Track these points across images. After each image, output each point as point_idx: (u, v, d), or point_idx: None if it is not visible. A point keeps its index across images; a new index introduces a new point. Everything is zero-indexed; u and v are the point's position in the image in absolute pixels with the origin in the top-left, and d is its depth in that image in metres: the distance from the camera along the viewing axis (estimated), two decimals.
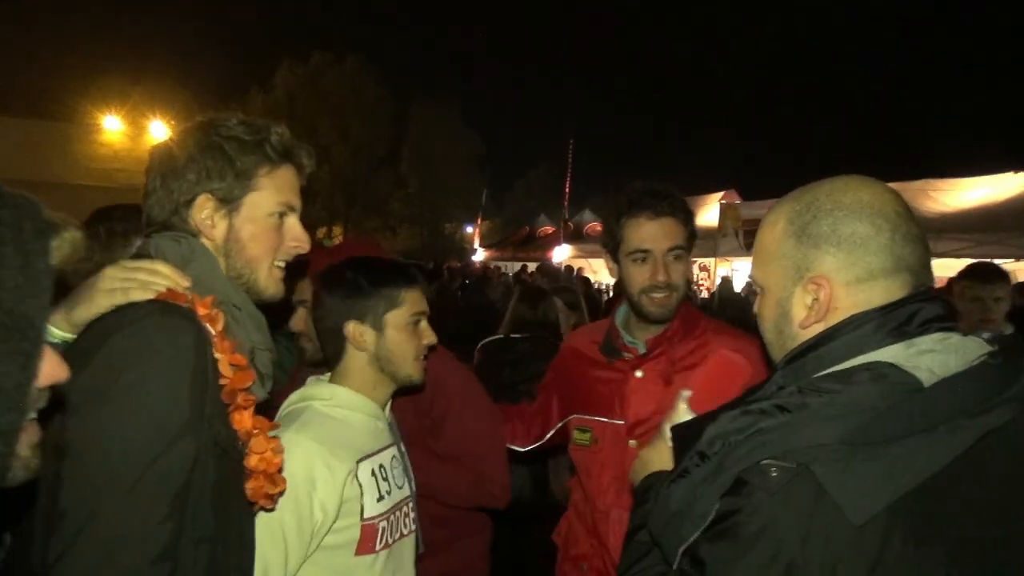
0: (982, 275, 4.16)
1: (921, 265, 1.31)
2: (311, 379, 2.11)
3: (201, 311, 1.41)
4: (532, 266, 20.82)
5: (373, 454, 1.99)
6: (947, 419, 1.13)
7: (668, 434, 1.58)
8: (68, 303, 1.41)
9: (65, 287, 1.40)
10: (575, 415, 2.52)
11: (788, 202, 1.37)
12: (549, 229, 23.95)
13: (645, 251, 2.29)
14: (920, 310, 1.25)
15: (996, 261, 11.42)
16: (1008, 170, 12.19)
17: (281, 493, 1.56)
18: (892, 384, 1.17)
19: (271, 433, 1.50)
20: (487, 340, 4.37)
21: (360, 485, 1.91)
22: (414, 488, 2.15)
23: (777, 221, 1.37)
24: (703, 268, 17.96)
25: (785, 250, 1.34)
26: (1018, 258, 9.92)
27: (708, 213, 17.82)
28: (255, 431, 1.46)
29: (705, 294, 15.76)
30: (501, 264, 23.46)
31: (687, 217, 2.33)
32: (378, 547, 1.94)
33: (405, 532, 2.06)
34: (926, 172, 13.65)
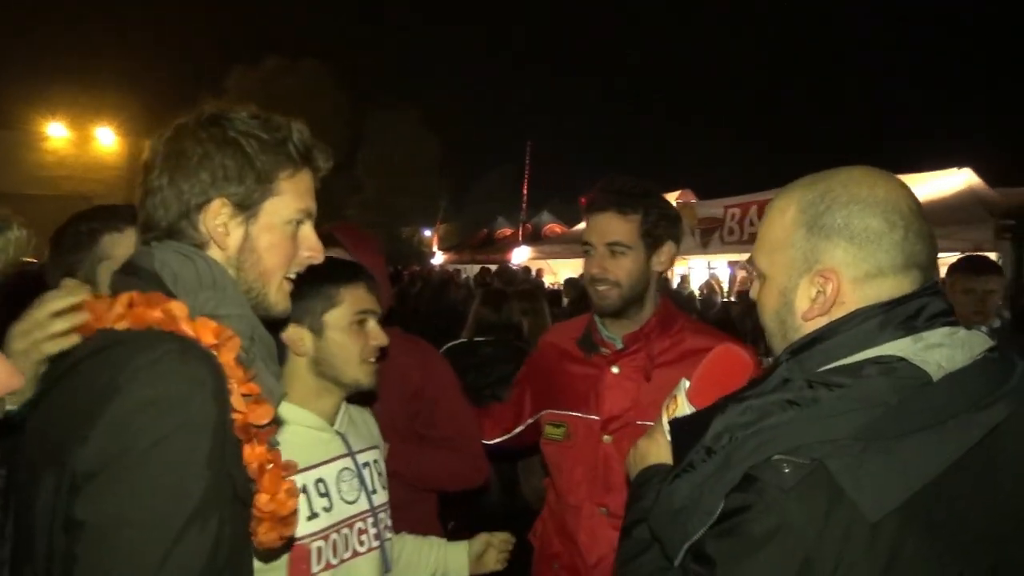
0: (974, 267, 4.24)
1: (930, 262, 1.29)
2: None
3: (208, 340, 1.25)
4: (494, 268, 20.83)
5: (307, 469, 1.84)
6: (956, 414, 1.14)
7: (666, 427, 1.56)
8: None
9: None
10: (548, 410, 2.51)
11: (799, 190, 1.34)
12: (507, 231, 23.96)
13: (588, 244, 2.37)
14: (927, 304, 1.25)
15: (944, 255, 11.81)
16: (952, 166, 12.56)
17: (292, 537, 1.42)
18: (902, 378, 1.16)
19: (286, 475, 1.35)
20: (451, 344, 4.35)
21: None
22: (377, 502, 2.01)
23: (787, 209, 1.34)
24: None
25: (794, 239, 1.31)
26: (964, 251, 10.20)
27: None
28: (269, 466, 1.30)
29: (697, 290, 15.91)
30: (460, 267, 23.42)
31: (641, 214, 2.31)
32: (315, 569, 1.81)
33: (360, 550, 1.92)
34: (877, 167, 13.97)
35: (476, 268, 21.40)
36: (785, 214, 1.33)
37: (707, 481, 1.21)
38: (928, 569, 1.12)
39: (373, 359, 1.96)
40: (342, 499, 1.91)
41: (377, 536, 1.98)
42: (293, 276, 1.51)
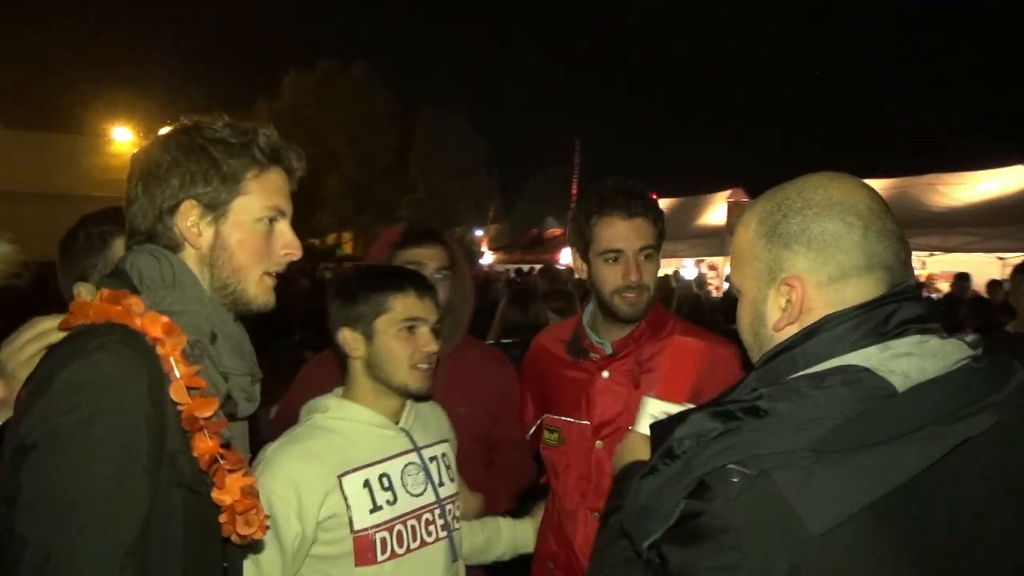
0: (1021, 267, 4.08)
1: (898, 262, 1.26)
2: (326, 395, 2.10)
3: (155, 333, 1.33)
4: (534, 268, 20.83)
5: (371, 464, 1.96)
6: (920, 427, 1.11)
7: (642, 427, 1.64)
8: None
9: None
10: (547, 414, 2.52)
11: (760, 202, 1.35)
12: (557, 231, 23.95)
13: (617, 251, 2.27)
14: (898, 310, 1.22)
15: (1004, 255, 11.45)
16: (1017, 163, 12.14)
17: (262, 531, 1.46)
18: (864, 389, 1.14)
19: (243, 471, 1.41)
20: None
21: (346, 498, 1.89)
22: (444, 494, 2.10)
23: (750, 222, 1.34)
24: (711, 267, 17.93)
25: (757, 251, 1.31)
26: None
27: (715, 212, 17.79)
28: (224, 465, 1.36)
29: (715, 292, 15.71)
30: (510, 267, 23.50)
31: (657, 216, 2.33)
32: (380, 558, 1.92)
33: (428, 540, 2.03)
34: (934, 166, 13.61)
35: (525, 268, 21.48)
36: (748, 227, 1.34)
37: (667, 483, 1.20)
38: None
39: (424, 365, 2.01)
40: (408, 492, 2.01)
41: (445, 527, 2.07)
42: (274, 272, 1.57)
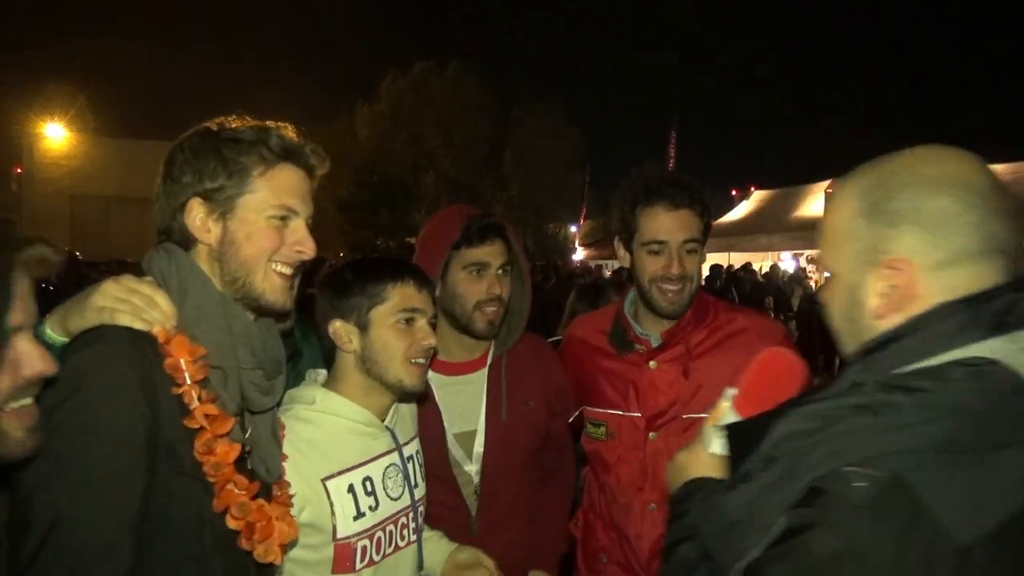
0: None
1: (1016, 247, 1.13)
2: (308, 373, 2.03)
3: (162, 338, 1.41)
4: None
5: (354, 467, 1.86)
6: None
7: (709, 436, 1.48)
8: (65, 309, 1.44)
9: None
10: (586, 407, 2.49)
11: (857, 177, 1.22)
12: None
13: (661, 242, 2.24)
14: (1020, 299, 1.09)
15: None
16: None
17: (278, 558, 1.53)
18: (994, 383, 1.02)
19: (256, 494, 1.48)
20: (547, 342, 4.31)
21: (331, 505, 1.81)
22: (418, 496, 2.02)
23: (846, 198, 1.21)
24: (811, 260, 17.40)
25: (855, 230, 1.18)
26: None
27: (815, 203, 17.25)
28: (237, 490, 1.44)
29: (814, 287, 15.27)
30: (602, 262, 23.48)
31: (704, 209, 2.30)
32: (359, 566, 1.84)
33: (401, 545, 1.94)
34: None
35: (615, 263, 21.42)
36: (845, 204, 1.21)
37: (764, 493, 1.09)
38: None
39: (421, 360, 1.92)
40: (388, 496, 1.91)
41: (416, 530, 1.99)
42: (282, 269, 1.57)
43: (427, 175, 36.06)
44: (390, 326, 1.87)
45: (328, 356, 1.99)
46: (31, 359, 1.13)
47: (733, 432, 1.34)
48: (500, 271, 2.28)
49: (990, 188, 1.12)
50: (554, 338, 4.24)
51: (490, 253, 2.26)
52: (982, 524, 0.96)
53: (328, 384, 1.95)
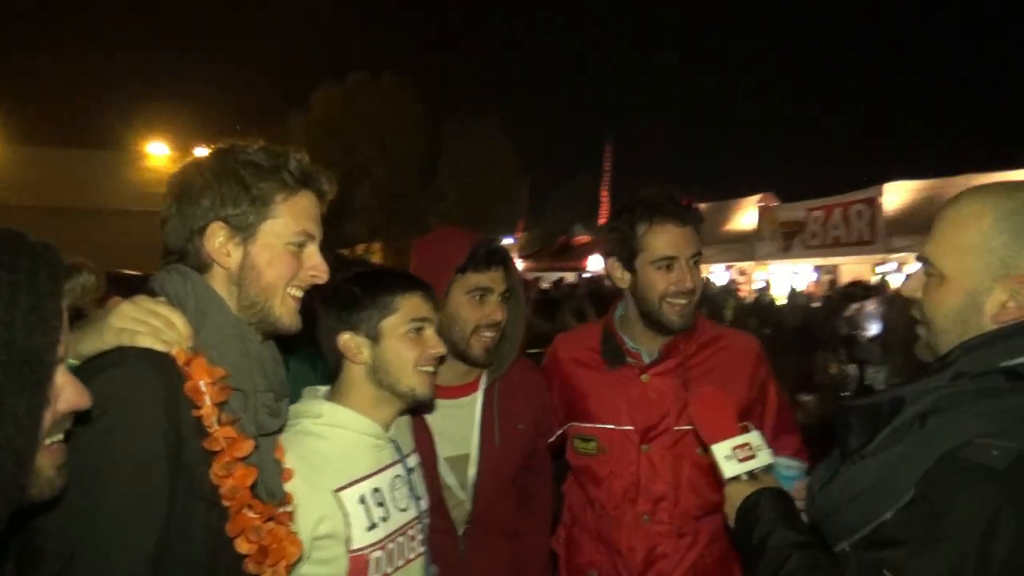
0: None
1: None
2: (305, 391, 2.03)
3: (182, 360, 1.40)
4: (570, 277, 20.83)
5: (364, 478, 1.88)
6: None
7: (723, 464, 1.74)
8: (78, 331, 1.39)
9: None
10: (574, 423, 2.51)
11: (997, 197, 1.37)
12: (585, 238, 23.94)
13: (672, 258, 2.29)
14: None
15: None
16: None
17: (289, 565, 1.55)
18: None
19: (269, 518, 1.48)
20: None
21: (345, 515, 1.81)
22: (423, 507, 2.04)
23: (984, 214, 1.36)
24: (741, 272, 17.81)
25: (993, 245, 1.33)
26: None
27: (745, 216, 17.67)
28: (250, 512, 1.44)
29: (747, 297, 15.60)
30: (539, 275, 23.53)
31: (700, 225, 2.39)
32: None
33: (411, 557, 1.96)
34: (968, 166, 13.40)
35: (554, 275, 21.50)
36: (982, 219, 1.36)
37: (896, 463, 1.25)
38: None
39: (430, 368, 1.95)
40: (396, 507, 1.93)
41: (423, 541, 2.02)
42: (296, 293, 1.60)
43: (361, 186, 35.61)
44: (401, 336, 1.91)
45: (332, 370, 1.99)
46: (68, 392, 1.08)
47: (842, 414, 1.48)
48: (501, 297, 2.29)
49: None
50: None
51: (494, 279, 2.28)
52: None
53: (332, 397, 1.96)
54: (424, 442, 2.23)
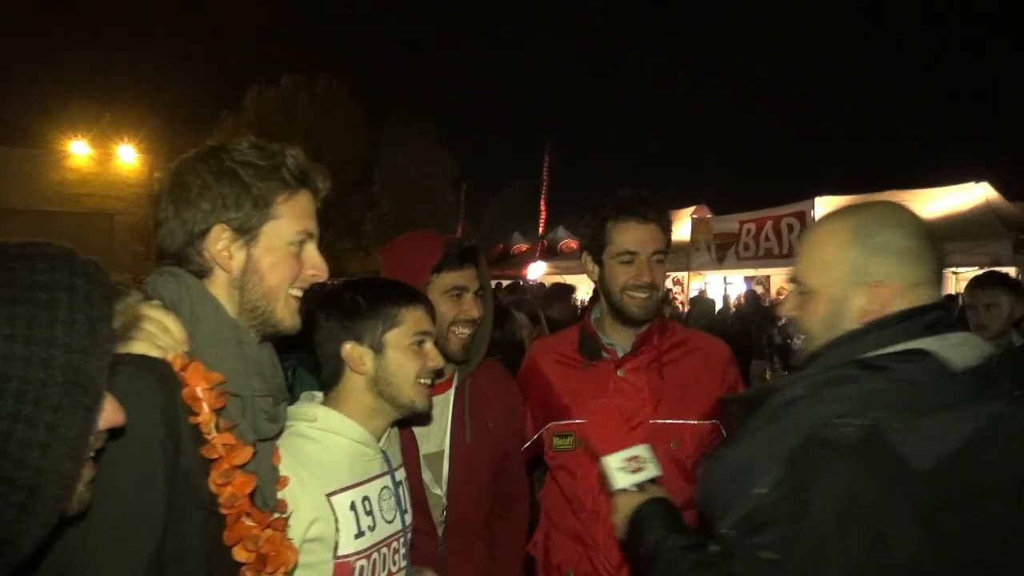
0: (978, 281, 4.22)
1: (940, 278, 1.58)
2: (303, 395, 2.03)
3: (177, 365, 1.36)
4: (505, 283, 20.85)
5: (355, 485, 1.87)
6: (970, 400, 1.37)
7: (615, 475, 1.85)
8: None
9: None
10: (552, 422, 2.56)
11: (846, 217, 1.59)
12: (523, 246, 24.02)
13: (632, 253, 2.41)
14: (944, 314, 1.52)
15: (958, 270, 11.72)
16: (969, 180, 12.48)
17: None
18: (930, 367, 1.40)
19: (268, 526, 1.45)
20: None
21: (336, 520, 1.80)
22: (407, 522, 2.04)
23: (837, 232, 1.57)
24: (676, 282, 18.10)
25: (848, 257, 1.53)
26: (982, 266, 10.13)
27: (680, 228, 17.96)
28: (248, 520, 1.40)
29: (681, 308, 15.85)
30: None
31: (667, 225, 2.49)
32: None
33: (393, 570, 1.95)
34: (890, 184, 13.94)
35: (492, 284, 21.46)
36: (837, 236, 1.56)
37: (766, 444, 1.41)
38: (955, 534, 1.28)
39: (428, 380, 1.97)
40: (383, 518, 1.93)
41: (405, 556, 2.01)
42: (299, 293, 1.58)
43: None
44: (404, 348, 1.91)
45: (328, 377, 1.96)
46: (108, 410, 1.04)
47: (730, 403, 1.71)
48: (475, 295, 2.37)
49: (934, 236, 1.56)
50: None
51: (468, 277, 2.36)
52: (933, 457, 1.29)
53: (328, 403, 1.95)
54: (406, 440, 2.26)
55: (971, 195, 12.24)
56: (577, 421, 2.45)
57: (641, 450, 1.88)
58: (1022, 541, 1.32)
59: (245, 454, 1.39)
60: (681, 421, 2.40)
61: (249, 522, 1.40)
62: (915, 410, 1.34)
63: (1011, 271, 7.17)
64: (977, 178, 12.38)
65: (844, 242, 1.54)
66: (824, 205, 13.86)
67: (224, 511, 1.37)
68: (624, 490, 1.83)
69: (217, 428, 1.36)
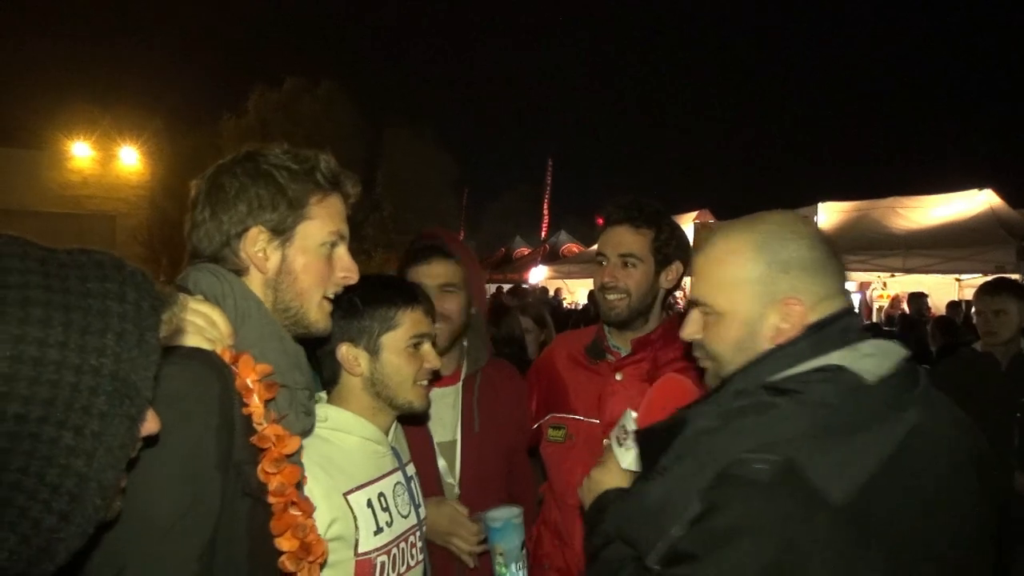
0: (986, 288, 4.23)
1: (845, 288, 1.52)
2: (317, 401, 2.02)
3: (227, 358, 1.38)
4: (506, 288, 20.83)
5: (370, 483, 1.88)
6: (885, 414, 1.32)
7: (619, 454, 1.72)
8: None
9: None
10: (552, 414, 2.60)
11: (744, 234, 1.50)
12: (525, 250, 24.02)
13: (601, 255, 2.51)
14: (853, 321, 1.46)
15: (962, 277, 11.68)
16: (971, 188, 12.43)
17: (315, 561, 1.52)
18: (842, 383, 1.33)
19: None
20: None
21: (355, 518, 1.80)
22: (422, 515, 2.05)
23: (739, 250, 1.48)
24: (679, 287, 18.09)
25: (755, 275, 1.46)
26: (986, 273, 10.10)
27: None
28: (294, 509, 1.43)
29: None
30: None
31: (654, 230, 2.45)
32: None
33: (412, 563, 1.97)
34: (893, 190, 13.90)
35: (492, 287, 21.48)
36: (741, 254, 1.48)
37: (679, 482, 1.33)
38: (875, 563, 1.23)
39: (426, 381, 1.96)
40: (399, 513, 1.94)
41: (422, 549, 2.03)
42: (331, 296, 1.62)
43: None
44: (400, 351, 1.90)
45: (329, 375, 1.96)
46: (148, 420, 1.04)
47: (643, 437, 1.56)
48: (441, 290, 2.40)
49: (831, 241, 1.51)
50: None
51: (427, 273, 2.42)
52: (850, 489, 1.22)
53: (333, 403, 1.96)
54: (421, 430, 2.33)
55: (974, 202, 12.19)
56: (571, 416, 2.50)
57: (627, 419, 1.80)
58: (937, 567, 1.30)
59: (294, 444, 1.43)
60: None
61: (295, 512, 1.43)
62: (829, 434, 1.28)
63: (1015, 277, 7.13)
64: (980, 185, 12.33)
65: (749, 260, 1.47)
66: (827, 211, 13.86)
67: (272, 500, 1.39)
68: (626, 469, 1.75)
69: (267, 418, 1.39)
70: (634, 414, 1.77)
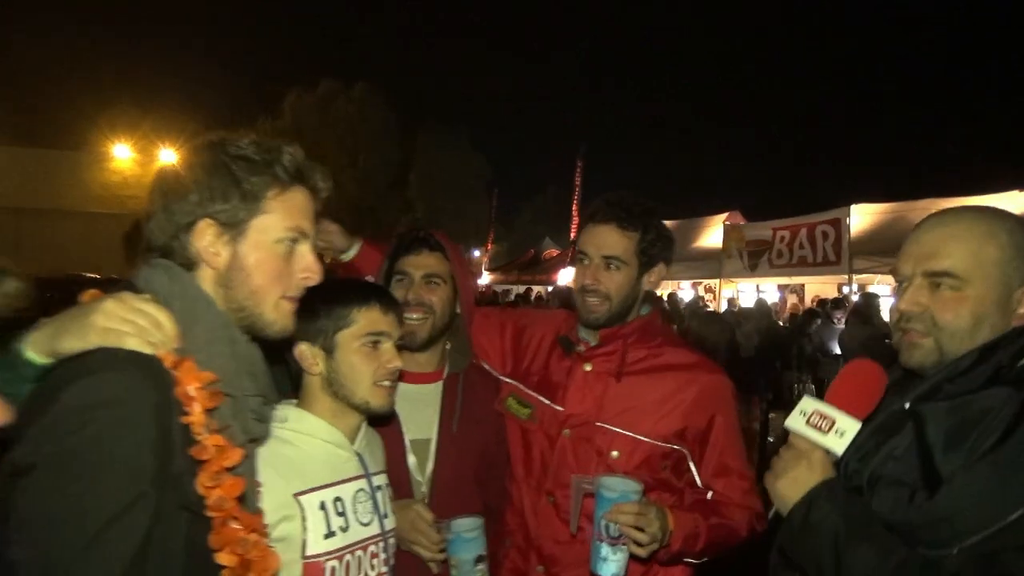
0: None
1: None
2: (282, 403, 1.98)
3: (169, 363, 1.30)
4: (538, 289, 20.87)
5: (326, 486, 1.85)
6: None
7: (827, 441, 1.60)
8: (56, 327, 1.30)
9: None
10: (518, 382, 2.52)
11: (998, 219, 1.62)
12: (554, 252, 24.01)
13: (584, 253, 2.36)
14: None
15: None
16: (1012, 189, 12.19)
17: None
18: None
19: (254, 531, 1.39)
20: None
21: (304, 519, 1.78)
22: (388, 527, 2.00)
23: (997, 233, 1.58)
24: (708, 289, 17.96)
25: (1010, 257, 1.56)
26: None
27: (712, 235, 17.82)
28: (235, 524, 1.34)
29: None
30: (508, 287, 23.55)
31: (640, 232, 2.31)
32: None
33: (371, 574, 1.92)
34: (930, 191, 13.68)
35: (521, 288, 21.52)
36: (998, 237, 1.58)
37: (1012, 464, 1.38)
38: None
39: (387, 382, 1.92)
40: (358, 520, 1.90)
41: (387, 561, 1.97)
42: (292, 296, 1.52)
43: (330, 195, 35.40)
44: (355, 350, 1.88)
45: (295, 378, 1.95)
46: None
47: (934, 413, 1.54)
48: (425, 281, 2.37)
49: None
50: None
51: (413, 263, 2.38)
52: None
53: (301, 404, 1.93)
54: (392, 426, 2.26)
55: (1015, 203, 11.94)
56: (540, 398, 2.41)
57: (813, 404, 1.65)
58: None
59: (235, 456, 1.34)
60: (628, 433, 2.27)
61: (236, 526, 1.35)
62: None
63: None
64: (1022, 186, 12.08)
65: (1006, 243, 1.57)
66: (860, 213, 13.66)
67: (211, 514, 1.31)
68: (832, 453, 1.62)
69: (208, 429, 1.31)
70: (813, 400, 1.64)
